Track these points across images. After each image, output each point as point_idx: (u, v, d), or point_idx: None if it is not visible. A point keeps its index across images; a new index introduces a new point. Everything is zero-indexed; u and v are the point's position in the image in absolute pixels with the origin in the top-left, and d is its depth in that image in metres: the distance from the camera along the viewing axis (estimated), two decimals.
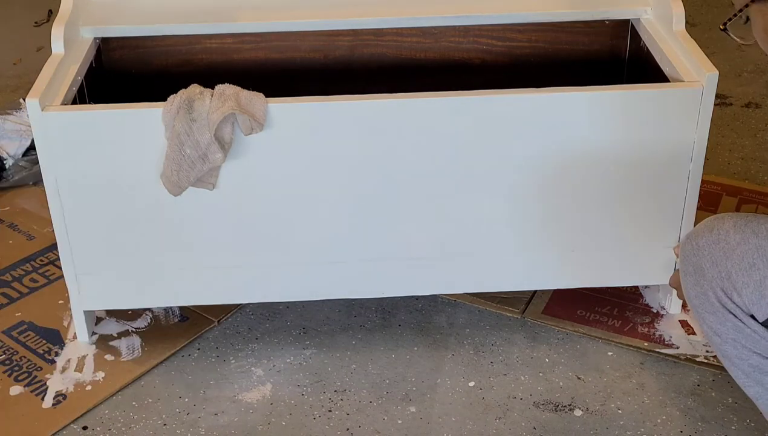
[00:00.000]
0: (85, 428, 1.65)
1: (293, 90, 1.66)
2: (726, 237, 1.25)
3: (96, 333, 1.84)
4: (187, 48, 1.95)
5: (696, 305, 1.32)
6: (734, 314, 1.26)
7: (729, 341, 1.29)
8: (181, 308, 1.90)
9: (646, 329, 1.84)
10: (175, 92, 1.58)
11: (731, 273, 1.24)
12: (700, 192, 1.71)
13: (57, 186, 1.63)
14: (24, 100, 2.17)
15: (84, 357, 1.79)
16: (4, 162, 2.38)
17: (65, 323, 1.87)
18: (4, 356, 1.80)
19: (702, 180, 1.71)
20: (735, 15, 1.23)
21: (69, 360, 1.78)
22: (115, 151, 1.60)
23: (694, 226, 1.71)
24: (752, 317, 1.26)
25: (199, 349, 1.82)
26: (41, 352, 1.80)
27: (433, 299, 1.94)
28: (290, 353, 1.81)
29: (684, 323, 1.84)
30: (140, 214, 1.66)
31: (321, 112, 1.60)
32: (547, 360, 1.78)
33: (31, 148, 2.41)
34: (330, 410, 1.68)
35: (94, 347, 1.81)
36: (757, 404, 1.35)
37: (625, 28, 1.94)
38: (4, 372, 1.76)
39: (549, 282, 1.84)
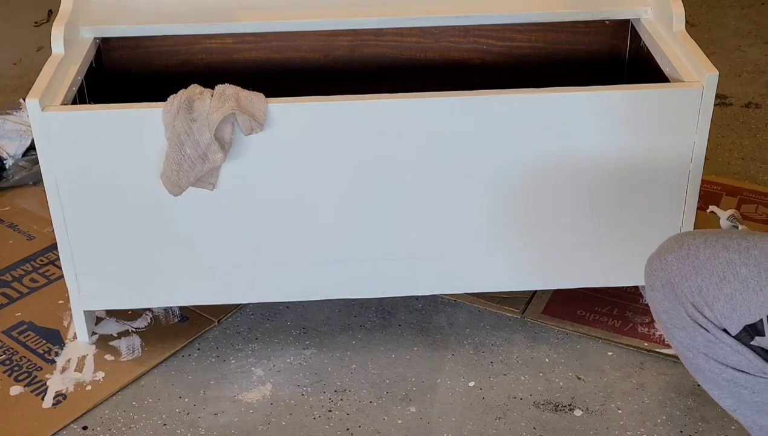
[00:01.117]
0: (85, 428, 1.65)
1: (293, 90, 1.66)
2: (696, 252, 1.24)
3: (96, 333, 1.84)
4: (187, 48, 1.95)
5: (664, 320, 1.31)
6: (706, 329, 1.25)
7: (700, 355, 1.28)
8: (181, 308, 1.90)
9: (646, 329, 1.84)
10: (175, 92, 1.58)
11: (702, 287, 1.23)
12: (700, 192, 1.71)
13: (57, 186, 1.63)
14: (24, 100, 2.17)
15: (84, 357, 1.79)
16: (4, 162, 2.38)
17: (65, 323, 1.87)
18: (4, 356, 1.80)
19: (702, 180, 1.71)
20: None
21: (69, 360, 1.78)
22: (115, 151, 1.60)
23: (694, 226, 1.72)
24: (725, 331, 1.25)
25: (199, 349, 1.82)
26: (41, 352, 1.80)
27: (433, 299, 1.94)
28: (290, 353, 1.81)
29: None
30: (140, 214, 1.66)
31: (321, 112, 1.60)
32: (547, 360, 1.78)
33: (31, 148, 2.41)
34: (330, 410, 1.68)
35: (94, 347, 1.81)
36: (734, 416, 1.33)
37: (625, 28, 1.94)
38: (4, 372, 1.76)
39: (549, 282, 1.84)
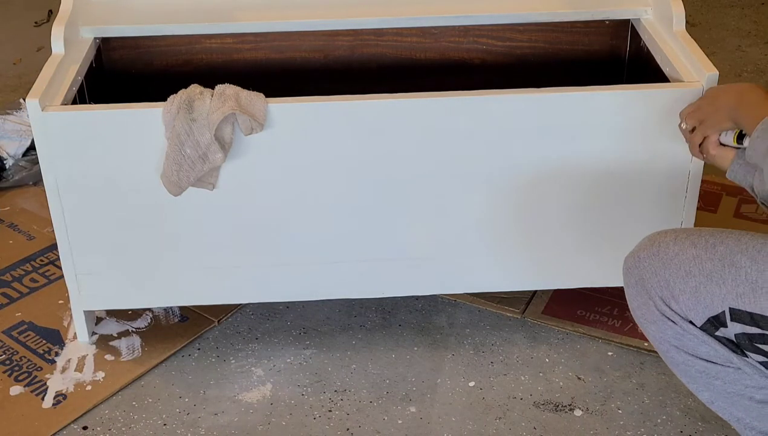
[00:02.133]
0: (85, 428, 1.65)
1: (293, 90, 1.66)
2: (665, 249, 1.29)
3: (96, 333, 1.85)
4: (187, 48, 1.95)
5: (638, 315, 1.36)
6: (674, 321, 1.30)
7: (672, 348, 1.33)
8: (181, 308, 1.90)
9: None
10: (175, 92, 1.58)
11: (669, 281, 1.28)
12: (700, 192, 1.71)
13: (57, 186, 1.63)
14: (24, 100, 2.17)
15: (84, 357, 1.79)
16: (4, 162, 2.38)
17: (65, 323, 1.87)
18: (4, 356, 1.80)
19: (702, 180, 1.71)
20: None
21: (69, 360, 1.78)
22: (115, 151, 1.60)
23: (694, 226, 1.72)
24: (691, 323, 1.29)
25: (199, 349, 1.82)
26: (41, 352, 1.80)
27: (433, 299, 1.94)
28: (290, 353, 1.81)
29: None
30: (140, 214, 1.66)
31: (321, 112, 1.60)
32: (547, 360, 1.78)
33: (31, 148, 2.41)
34: (330, 410, 1.68)
35: (94, 347, 1.81)
36: (712, 408, 1.37)
37: (625, 28, 1.94)
38: (4, 372, 1.76)
39: (549, 282, 1.84)
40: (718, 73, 1.60)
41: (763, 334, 1.23)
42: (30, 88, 1.59)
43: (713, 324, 1.27)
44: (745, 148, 1.37)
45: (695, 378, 1.35)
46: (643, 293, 1.32)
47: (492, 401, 1.69)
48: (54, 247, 1.99)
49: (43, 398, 1.70)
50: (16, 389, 1.72)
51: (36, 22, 3.41)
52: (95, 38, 1.86)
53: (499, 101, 1.60)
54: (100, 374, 1.75)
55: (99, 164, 1.61)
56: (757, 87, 1.38)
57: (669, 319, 1.30)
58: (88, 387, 1.72)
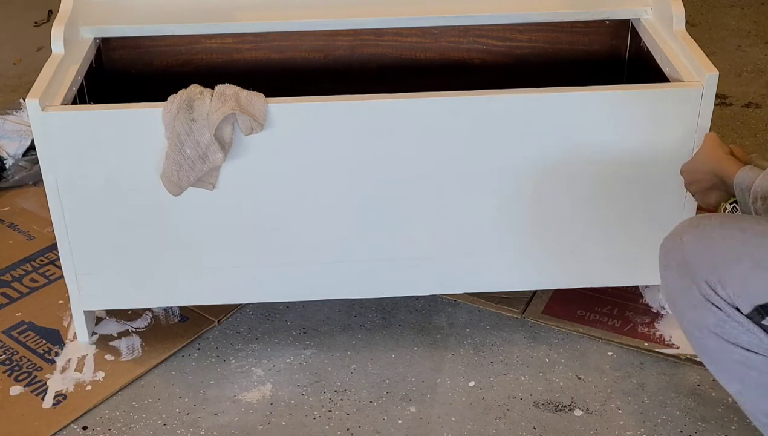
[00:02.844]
0: (85, 428, 1.65)
1: (293, 90, 1.66)
2: (712, 233, 1.28)
3: (96, 333, 1.84)
4: (187, 48, 1.95)
5: (675, 299, 1.34)
6: (719, 307, 1.28)
7: (711, 335, 1.31)
8: (181, 308, 1.90)
9: (646, 329, 1.84)
10: (175, 92, 1.58)
11: (716, 266, 1.27)
12: None
13: (57, 186, 1.63)
14: (24, 100, 2.17)
15: (84, 357, 1.79)
16: (4, 162, 2.38)
17: (65, 323, 1.87)
18: (4, 356, 1.80)
19: None
20: None
21: (69, 360, 1.78)
22: (115, 151, 1.60)
23: None
24: (737, 309, 1.28)
25: (199, 349, 1.82)
26: (41, 352, 1.80)
27: (433, 299, 1.94)
28: (290, 353, 1.81)
29: None
30: (140, 214, 1.66)
31: (321, 112, 1.60)
32: (547, 360, 1.78)
33: (31, 148, 2.41)
34: (330, 410, 1.68)
35: (94, 347, 1.81)
36: (738, 400, 1.36)
37: (625, 28, 1.94)
38: (4, 372, 1.76)
39: (549, 282, 1.84)
40: (718, 73, 1.60)
41: None
42: (30, 88, 1.59)
43: (760, 313, 1.25)
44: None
45: (729, 368, 1.33)
46: (686, 276, 1.30)
47: (492, 401, 1.69)
48: (54, 247, 1.99)
49: (43, 398, 1.70)
50: (16, 389, 1.72)
51: (36, 22, 3.41)
52: (95, 38, 1.86)
53: (499, 101, 1.60)
54: (100, 374, 1.75)
55: (99, 164, 1.61)
56: (712, 145, 1.52)
57: (714, 304, 1.28)
58: (88, 387, 1.72)
